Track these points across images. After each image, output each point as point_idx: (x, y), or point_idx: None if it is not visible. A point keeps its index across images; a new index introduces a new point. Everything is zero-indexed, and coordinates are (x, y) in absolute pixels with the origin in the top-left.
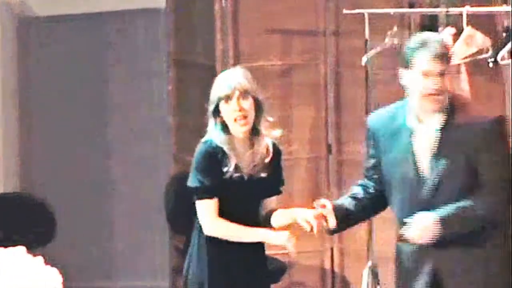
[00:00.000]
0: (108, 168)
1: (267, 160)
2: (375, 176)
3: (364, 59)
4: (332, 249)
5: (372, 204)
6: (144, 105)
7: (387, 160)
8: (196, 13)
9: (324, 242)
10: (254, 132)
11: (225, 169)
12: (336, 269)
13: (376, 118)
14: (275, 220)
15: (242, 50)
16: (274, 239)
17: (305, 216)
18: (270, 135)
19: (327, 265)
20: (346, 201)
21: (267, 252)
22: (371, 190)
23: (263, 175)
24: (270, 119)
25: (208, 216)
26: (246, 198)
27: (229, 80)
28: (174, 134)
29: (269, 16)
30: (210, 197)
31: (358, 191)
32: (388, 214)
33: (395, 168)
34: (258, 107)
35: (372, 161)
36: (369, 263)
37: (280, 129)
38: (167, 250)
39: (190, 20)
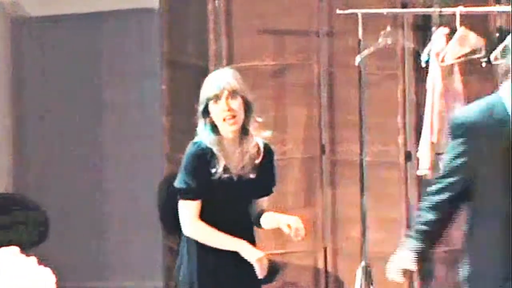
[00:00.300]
0: (101, 167)
1: (257, 160)
2: (461, 176)
3: (358, 59)
4: (325, 249)
5: (443, 228)
6: (137, 105)
7: (487, 155)
8: (189, 14)
9: (317, 242)
10: (243, 132)
11: (214, 170)
12: (330, 269)
13: (468, 113)
14: (263, 222)
15: (235, 51)
16: (247, 254)
17: (287, 222)
18: (259, 136)
19: (321, 265)
20: (421, 239)
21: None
22: (442, 211)
23: (252, 176)
24: (260, 119)
25: (188, 217)
26: (236, 198)
27: (218, 81)
28: (167, 134)
29: (262, 16)
30: (193, 199)
31: (430, 218)
32: (380, 215)
33: (500, 162)
34: (247, 107)
35: (462, 159)
36: (363, 263)
37: (270, 129)
38: (160, 250)
39: (183, 20)
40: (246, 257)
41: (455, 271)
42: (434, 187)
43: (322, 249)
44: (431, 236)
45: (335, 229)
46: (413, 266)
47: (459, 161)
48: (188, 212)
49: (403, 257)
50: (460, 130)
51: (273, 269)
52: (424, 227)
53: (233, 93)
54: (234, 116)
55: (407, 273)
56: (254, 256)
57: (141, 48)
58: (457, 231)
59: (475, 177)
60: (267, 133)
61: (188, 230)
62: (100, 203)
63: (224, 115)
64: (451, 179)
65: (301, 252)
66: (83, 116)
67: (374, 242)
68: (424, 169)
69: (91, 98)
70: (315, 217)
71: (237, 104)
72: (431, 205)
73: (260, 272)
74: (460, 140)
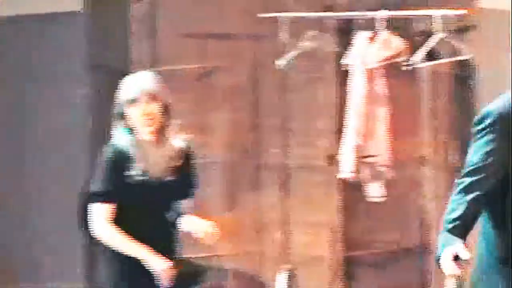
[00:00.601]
0: (25, 170)
1: (177, 163)
2: (495, 173)
3: (281, 63)
4: (252, 252)
5: (475, 222)
6: (62, 109)
7: None
8: (113, 17)
9: (241, 245)
10: (162, 135)
11: (130, 173)
12: (256, 272)
13: (498, 107)
14: (182, 225)
15: (159, 54)
16: (152, 262)
17: (200, 226)
18: (179, 139)
19: (247, 268)
20: (458, 234)
21: (185, 255)
22: (475, 208)
23: (172, 178)
24: (179, 122)
25: (97, 220)
26: (155, 201)
27: (137, 83)
28: (91, 137)
29: (187, 20)
30: (105, 202)
31: (466, 214)
32: (304, 218)
33: None
34: (167, 110)
35: (492, 158)
36: (286, 267)
37: (194, 132)
38: (81, 252)
39: (107, 23)
40: (150, 266)
41: (380, 273)
42: (466, 182)
43: (248, 252)
44: (465, 231)
45: (259, 232)
46: (468, 255)
47: (492, 157)
48: (97, 215)
49: (455, 250)
50: (492, 126)
51: (197, 274)
52: (459, 222)
53: (152, 97)
54: (153, 120)
55: (463, 263)
56: (159, 265)
57: (66, 51)
58: (383, 234)
59: (506, 174)
60: (188, 136)
61: (97, 233)
62: (25, 206)
63: (143, 118)
64: (484, 176)
65: (226, 255)
66: (6, 119)
67: (298, 245)
68: (346, 172)
69: (15, 101)
70: (239, 220)
71: (156, 107)
72: (466, 201)
73: (163, 282)
74: (492, 136)
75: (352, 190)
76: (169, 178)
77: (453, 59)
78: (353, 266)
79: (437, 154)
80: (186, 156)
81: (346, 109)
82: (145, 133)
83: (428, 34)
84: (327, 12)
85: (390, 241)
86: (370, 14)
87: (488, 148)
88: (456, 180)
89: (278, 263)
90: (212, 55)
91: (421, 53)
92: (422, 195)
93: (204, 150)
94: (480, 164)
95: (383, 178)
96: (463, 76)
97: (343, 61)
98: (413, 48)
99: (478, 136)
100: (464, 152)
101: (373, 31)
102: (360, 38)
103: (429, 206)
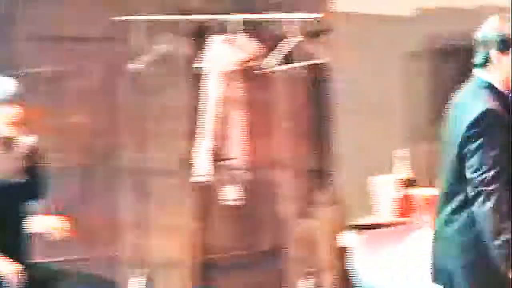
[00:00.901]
0: None
1: (26, 165)
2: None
3: (136, 66)
4: (107, 256)
5: None
6: None
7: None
8: None
9: (96, 249)
10: (13, 137)
11: None
12: (110, 276)
13: (491, 104)
14: (33, 226)
15: (14, 56)
16: (0, 266)
17: (49, 224)
18: (27, 141)
19: (101, 272)
20: None
21: (38, 259)
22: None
23: (21, 180)
24: (26, 125)
25: None
26: (4, 203)
27: (3, 86)
28: None
29: (42, 22)
30: None
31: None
32: (161, 221)
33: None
34: (21, 113)
35: (507, 152)
36: (142, 271)
37: (49, 135)
38: None
39: None
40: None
41: (237, 275)
42: (496, 192)
43: (101, 256)
44: None
45: (115, 236)
46: None
47: (502, 162)
48: None
49: None
50: (497, 124)
51: (49, 278)
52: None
53: (17, 98)
54: (15, 121)
55: None
56: (7, 269)
57: None
58: (240, 237)
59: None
60: (37, 138)
61: None
62: None
63: (9, 119)
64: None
65: (80, 259)
66: None
67: (154, 249)
68: (201, 175)
69: None
70: (94, 224)
71: (17, 110)
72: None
73: (13, 286)
74: (499, 133)
75: (208, 193)
76: (17, 180)
77: (309, 62)
78: (210, 269)
79: (293, 156)
80: (35, 158)
81: (201, 112)
82: (6, 134)
83: (284, 38)
84: (181, 16)
85: (247, 244)
86: (224, 17)
87: (499, 150)
88: (482, 188)
89: (134, 267)
90: (67, 58)
91: (277, 56)
92: (278, 198)
93: (60, 154)
94: (498, 167)
95: (239, 181)
96: (319, 79)
97: (198, 64)
98: (269, 52)
99: (486, 132)
100: (319, 154)
101: (228, 35)
102: (215, 41)
103: (285, 208)
